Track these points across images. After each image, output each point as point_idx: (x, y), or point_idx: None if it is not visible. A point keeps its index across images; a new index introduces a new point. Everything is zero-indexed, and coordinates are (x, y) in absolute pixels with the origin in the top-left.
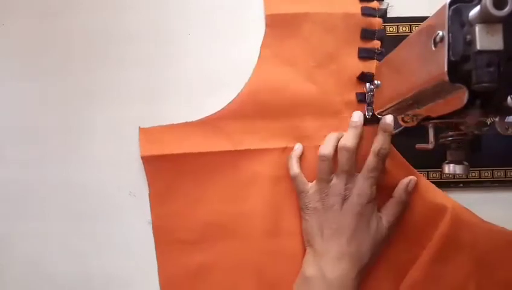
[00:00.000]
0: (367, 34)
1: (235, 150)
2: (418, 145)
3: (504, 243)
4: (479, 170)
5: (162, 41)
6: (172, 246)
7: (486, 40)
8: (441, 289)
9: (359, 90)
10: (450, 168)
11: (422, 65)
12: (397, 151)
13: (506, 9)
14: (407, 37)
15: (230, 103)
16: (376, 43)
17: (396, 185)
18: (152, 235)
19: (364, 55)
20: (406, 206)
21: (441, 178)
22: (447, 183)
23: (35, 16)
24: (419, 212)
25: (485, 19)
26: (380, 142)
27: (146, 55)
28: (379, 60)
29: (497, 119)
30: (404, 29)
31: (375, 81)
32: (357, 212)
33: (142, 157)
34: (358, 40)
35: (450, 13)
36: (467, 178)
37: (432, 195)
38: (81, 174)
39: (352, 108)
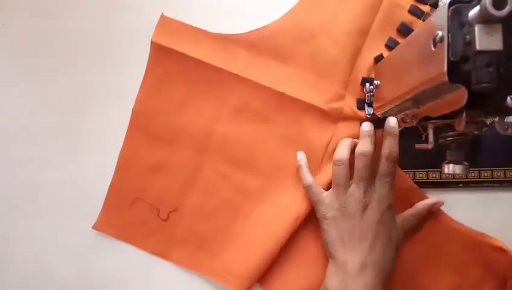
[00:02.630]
0: (404, 29)
1: (236, 74)
2: (417, 145)
3: (471, 245)
4: (479, 170)
5: None
6: (142, 135)
7: (485, 40)
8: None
9: (369, 74)
10: (449, 168)
11: (422, 65)
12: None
13: (506, 10)
14: (407, 37)
15: (250, 31)
16: None
17: None
18: None
19: (392, 46)
20: (423, 221)
21: (440, 178)
22: (446, 183)
23: (35, 16)
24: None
25: (485, 19)
26: (388, 146)
27: (146, 55)
28: None
29: (496, 119)
30: None
31: (375, 81)
32: (377, 219)
33: (152, 42)
34: (393, 30)
35: (450, 13)
36: (467, 178)
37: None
38: (81, 174)
39: (353, 90)
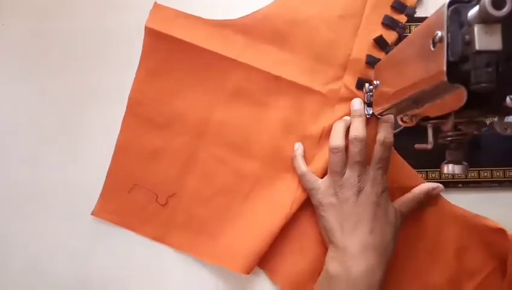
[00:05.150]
0: (398, 5)
1: (232, 59)
2: (417, 145)
3: (471, 228)
4: (478, 170)
5: None
6: (139, 122)
7: (485, 40)
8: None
9: (370, 53)
10: (449, 168)
11: (421, 65)
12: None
13: (505, 10)
14: (406, 37)
15: (244, 16)
16: (402, 18)
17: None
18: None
19: (388, 23)
20: (421, 205)
21: (440, 178)
22: (446, 183)
23: (35, 16)
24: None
25: (484, 19)
26: (383, 132)
27: None
28: (399, 32)
29: (496, 119)
30: None
31: (375, 81)
32: (373, 202)
33: (146, 28)
34: (387, 7)
35: (449, 13)
36: (466, 178)
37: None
38: (81, 174)
39: (354, 69)
